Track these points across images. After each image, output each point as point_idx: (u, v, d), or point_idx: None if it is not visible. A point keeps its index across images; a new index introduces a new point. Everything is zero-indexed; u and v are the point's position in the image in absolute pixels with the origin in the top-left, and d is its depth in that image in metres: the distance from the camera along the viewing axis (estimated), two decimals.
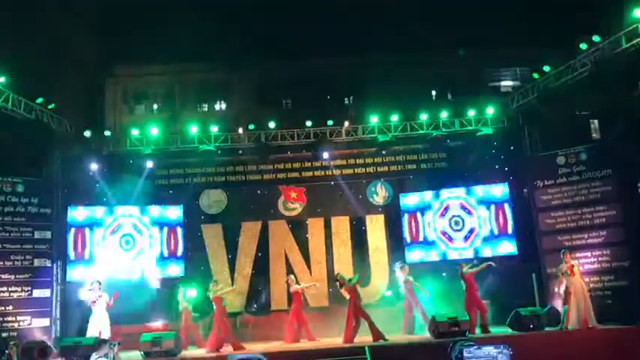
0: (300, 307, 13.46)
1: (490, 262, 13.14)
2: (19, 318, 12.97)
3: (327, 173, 15.83)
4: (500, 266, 13.62)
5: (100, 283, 12.47)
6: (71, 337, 12.07)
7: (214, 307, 12.70)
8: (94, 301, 12.04)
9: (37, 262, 13.45)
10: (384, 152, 15.65)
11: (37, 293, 13.32)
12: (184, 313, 13.36)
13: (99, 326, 11.88)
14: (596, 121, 15.20)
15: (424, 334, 12.33)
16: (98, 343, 10.97)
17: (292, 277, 14.05)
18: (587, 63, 12.66)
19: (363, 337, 12.02)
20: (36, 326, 13.10)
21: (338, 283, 12.57)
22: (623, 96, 13.25)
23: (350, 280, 12.49)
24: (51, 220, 13.90)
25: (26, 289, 13.23)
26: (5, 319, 12.86)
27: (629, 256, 12.77)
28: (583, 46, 12.72)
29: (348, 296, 12.35)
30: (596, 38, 12.43)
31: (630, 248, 12.79)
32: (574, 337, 11.35)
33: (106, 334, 11.72)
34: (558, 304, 12.50)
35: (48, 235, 13.75)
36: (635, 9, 11.52)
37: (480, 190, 15.15)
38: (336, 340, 12.26)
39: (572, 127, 14.45)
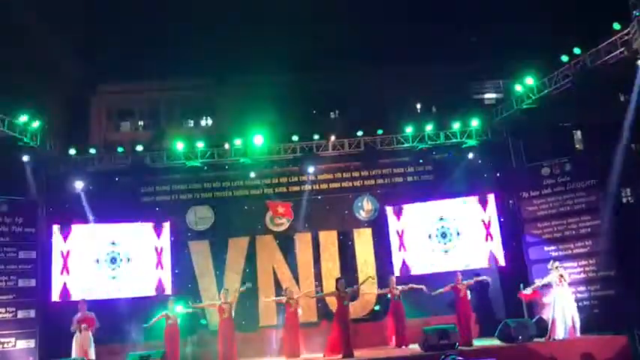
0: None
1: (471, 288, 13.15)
2: (3, 340, 12.75)
3: (314, 188, 15.83)
4: (487, 277, 13.65)
5: (85, 303, 12.33)
6: (56, 359, 11.87)
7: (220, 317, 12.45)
8: (79, 322, 11.87)
9: (21, 283, 13.26)
10: (370, 165, 15.68)
11: (21, 314, 13.11)
12: (172, 331, 13.10)
13: (84, 347, 11.71)
14: (579, 132, 15.39)
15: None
16: None
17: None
18: (569, 75, 12.82)
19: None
20: (20, 348, 12.88)
21: (339, 287, 12.24)
22: (606, 107, 13.47)
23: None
24: (35, 239, 13.73)
25: (10, 310, 13.02)
26: None
27: (614, 265, 12.87)
28: (564, 58, 12.88)
29: (335, 302, 12.30)
30: (577, 50, 12.60)
31: (616, 257, 12.90)
32: (562, 348, 11.35)
33: (91, 355, 11.55)
34: (546, 314, 12.53)
35: (32, 254, 13.57)
36: (614, 21, 11.72)
37: (466, 202, 15.19)
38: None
39: (555, 138, 14.60)
